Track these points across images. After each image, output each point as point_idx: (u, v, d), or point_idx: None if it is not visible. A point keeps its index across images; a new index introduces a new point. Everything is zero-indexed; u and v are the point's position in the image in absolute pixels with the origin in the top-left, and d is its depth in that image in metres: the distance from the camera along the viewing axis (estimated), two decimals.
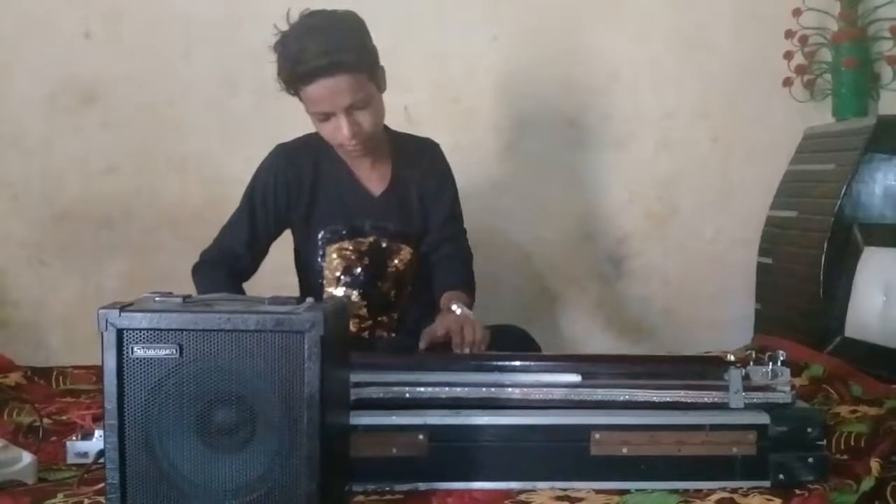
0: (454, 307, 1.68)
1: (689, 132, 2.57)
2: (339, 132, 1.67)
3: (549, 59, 2.52)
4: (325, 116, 1.67)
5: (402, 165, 1.85)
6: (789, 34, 2.44)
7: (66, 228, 2.48)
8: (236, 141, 2.43)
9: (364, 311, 1.83)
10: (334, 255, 1.81)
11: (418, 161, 1.87)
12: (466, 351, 1.57)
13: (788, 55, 2.45)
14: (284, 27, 1.66)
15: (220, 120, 2.48)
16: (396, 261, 1.84)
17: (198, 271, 1.78)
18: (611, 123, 2.56)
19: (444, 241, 1.88)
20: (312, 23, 1.65)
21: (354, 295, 1.82)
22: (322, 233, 1.81)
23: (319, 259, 1.82)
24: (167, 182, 2.49)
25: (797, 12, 2.43)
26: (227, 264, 1.78)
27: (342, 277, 1.82)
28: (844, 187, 2.13)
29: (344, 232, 1.81)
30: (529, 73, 2.52)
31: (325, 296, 1.82)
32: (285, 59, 1.64)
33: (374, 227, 1.82)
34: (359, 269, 1.81)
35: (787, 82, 2.47)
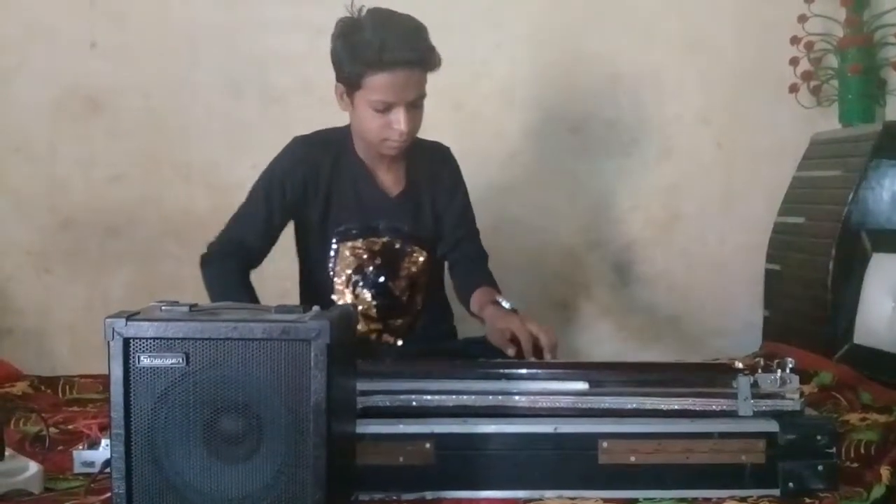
0: (503, 303, 1.71)
1: (694, 138, 2.56)
2: (393, 125, 1.69)
3: (553, 65, 2.52)
4: (386, 107, 1.68)
5: (416, 169, 1.86)
6: (795, 40, 2.44)
7: (71, 236, 2.48)
8: (241, 148, 2.43)
9: (374, 312, 1.83)
10: (347, 253, 1.81)
11: (431, 164, 1.88)
12: (549, 357, 1.58)
13: (794, 61, 2.45)
14: (346, 16, 1.69)
15: (225, 127, 2.48)
16: (409, 264, 1.84)
17: (207, 264, 1.78)
18: (615, 130, 2.55)
19: (461, 241, 1.89)
20: (390, 17, 1.69)
21: (366, 294, 1.82)
22: (336, 230, 1.81)
23: (332, 256, 1.81)
24: (172, 190, 2.49)
25: (803, 18, 2.43)
26: (237, 256, 1.77)
27: (353, 276, 1.82)
28: (852, 193, 2.12)
29: (357, 231, 1.81)
30: (533, 79, 2.52)
31: (335, 295, 1.81)
32: (363, 44, 1.65)
33: (389, 228, 1.82)
34: (371, 269, 1.81)
35: (793, 88, 2.46)
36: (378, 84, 1.66)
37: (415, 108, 1.70)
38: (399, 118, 1.68)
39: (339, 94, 1.74)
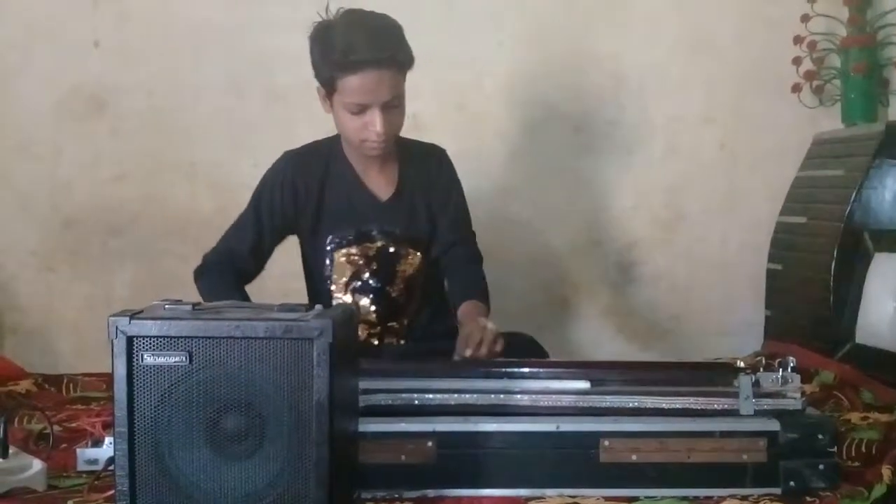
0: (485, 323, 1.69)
1: (697, 138, 2.56)
2: (369, 127, 1.68)
3: (555, 64, 2.52)
4: (361, 109, 1.67)
5: (408, 171, 1.85)
6: (798, 40, 2.44)
7: (74, 235, 2.49)
8: (244, 147, 2.44)
9: (373, 317, 1.84)
10: (342, 261, 1.81)
11: (425, 166, 1.87)
12: (483, 352, 1.56)
13: (797, 61, 2.45)
14: (321, 19, 1.69)
15: (228, 126, 2.48)
16: (405, 266, 1.84)
17: (201, 275, 1.79)
18: (617, 129, 2.55)
19: (454, 244, 1.89)
20: (360, 18, 1.68)
21: (364, 300, 1.82)
22: (330, 238, 1.81)
23: (328, 265, 1.82)
24: (176, 189, 2.50)
25: (805, 18, 2.43)
26: (231, 267, 1.78)
27: (351, 283, 1.82)
28: (854, 193, 2.12)
29: (351, 237, 1.81)
30: (535, 79, 2.52)
31: (333, 302, 1.82)
32: (332, 47, 1.65)
33: (382, 232, 1.82)
34: (367, 275, 1.82)
35: (796, 88, 2.46)
36: (349, 86, 1.65)
37: (392, 107, 1.69)
38: (374, 119, 1.67)
39: (321, 96, 1.74)
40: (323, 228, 1.82)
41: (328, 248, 1.82)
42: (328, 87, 1.69)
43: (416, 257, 1.85)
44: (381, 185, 1.84)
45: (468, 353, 1.57)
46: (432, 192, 1.87)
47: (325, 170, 1.81)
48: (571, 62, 2.53)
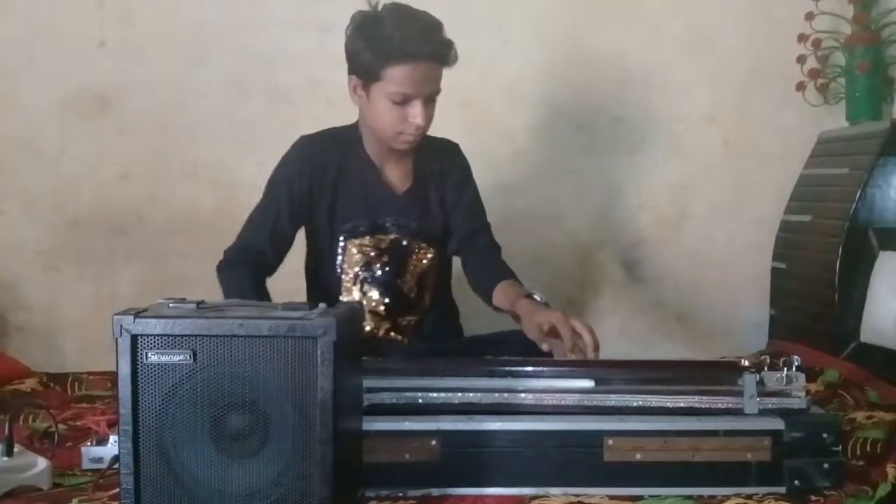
0: (537, 296, 1.71)
1: (701, 136, 2.56)
2: (409, 119, 1.70)
3: (560, 63, 2.52)
4: (404, 99, 1.69)
5: (423, 165, 1.86)
6: (802, 38, 2.43)
7: (79, 235, 2.49)
8: (248, 146, 2.44)
9: (382, 310, 1.83)
10: (354, 251, 1.82)
11: (439, 161, 1.88)
12: (591, 356, 1.55)
13: (801, 59, 2.44)
14: (365, 10, 1.71)
15: (232, 126, 2.49)
16: (417, 260, 1.85)
17: (222, 271, 1.79)
18: (622, 128, 2.55)
19: (475, 233, 1.89)
20: (411, 12, 1.70)
21: (374, 293, 1.82)
22: (343, 228, 1.81)
23: (339, 255, 1.82)
24: (180, 188, 2.50)
25: (810, 16, 2.42)
26: (251, 262, 1.78)
27: (361, 274, 1.82)
28: (859, 191, 2.11)
29: (365, 229, 1.81)
30: (540, 77, 2.52)
31: (342, 293, 1.81)
32: (384, 36, 1.66)
33: (396, 225, 1.82)
34: (378, 266, 1.82)
35: (801, 86, 2.46)
36: (398, 76, 1.67)
37: (430, 102, 1.72)
38: (416, 111, 1.69)
39: (352, 87, 1.74)
40: (337, 217, 1.81)
41: (340, 237, 1.82)
42: (369, 76, 1.70)
43: (428, 252, 1.85)
44: (398, 178, 1.84)
45: (592, 355, 1.55)
46: (447, 186, 1.87)
47: (342, 157, 1.81)
48: (576, 61, 2.52)
